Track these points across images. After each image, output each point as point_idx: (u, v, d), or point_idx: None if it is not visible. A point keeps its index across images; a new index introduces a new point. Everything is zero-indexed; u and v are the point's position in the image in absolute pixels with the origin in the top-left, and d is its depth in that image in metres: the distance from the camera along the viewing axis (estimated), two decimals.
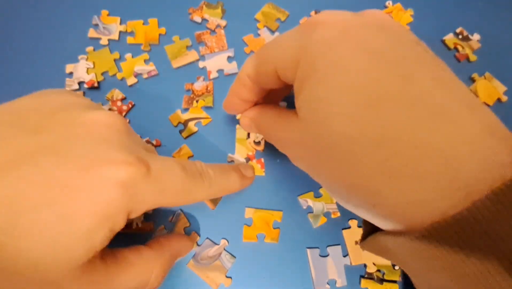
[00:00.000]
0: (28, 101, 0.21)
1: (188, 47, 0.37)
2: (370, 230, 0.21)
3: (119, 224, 0.19)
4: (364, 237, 0.22)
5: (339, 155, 0.17)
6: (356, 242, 0.30)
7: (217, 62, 0.37)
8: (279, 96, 0.31)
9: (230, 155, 0.33)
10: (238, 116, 0.34)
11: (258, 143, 0.34)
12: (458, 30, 0.39)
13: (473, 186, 0.14)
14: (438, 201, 0.15)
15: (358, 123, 0.16)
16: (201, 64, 0.36)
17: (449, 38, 0.38)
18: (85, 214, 0.17)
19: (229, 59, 0.37)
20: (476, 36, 0.38)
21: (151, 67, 0.36)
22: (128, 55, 0.37)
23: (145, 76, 0.36)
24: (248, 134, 0.34)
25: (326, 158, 0.18)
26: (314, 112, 0.18)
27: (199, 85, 0.35)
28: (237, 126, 0.34)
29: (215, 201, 0.32)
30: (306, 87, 0.19)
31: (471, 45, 0.38)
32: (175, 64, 0.36)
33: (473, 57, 0.37)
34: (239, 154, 0.33)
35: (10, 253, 0.16)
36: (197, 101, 0.35)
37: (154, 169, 0.20)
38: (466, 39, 0.38)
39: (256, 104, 0.28)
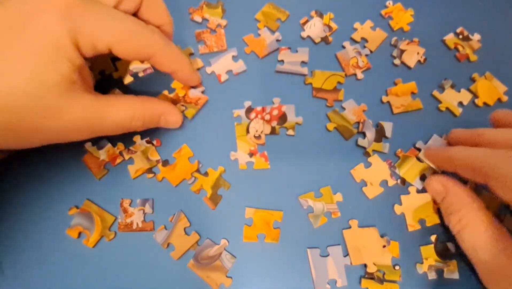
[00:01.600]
0: None
1: (191, 55, 0.37)
2: None
3: (73, 53, 0.22)
4: None
5: None
6: None
7: (223, 64, 0.37)
8: None
9: (232, 152, 0.33)
10: (235, 114, 0.34)
11: (258, 137, 0.34)
12: (458, 30, 0.39)
13: None
14: None
15: None
16: (208, 70, 0.36)
17: (450, 38, 0.38)
18: (37, 49, 0.21)
19: (234, 58, 0.37)
20: (476, 36, 0.38)
21: (146, 65, 0.36)
22: None
23: (140, 74, 0.36)
24: (248, 129, 0.34)
25: None
26: None
27: (194, 93, 0.35)
28: (235, 123, 0.34)
29: (215, 201, 0.32)
30: None
31: (472, 45, 0.38)
32: None
33: (473, 57, 0.37)
34: (242, 150, 0.33)
35: None
36: (183, 106, 0.34)
37: (91, 1, 0.23)
38: (466, 39, 0.38)
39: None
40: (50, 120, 0.23)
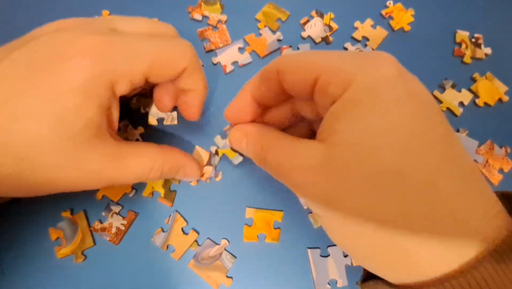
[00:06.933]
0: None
1: None
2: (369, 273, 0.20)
3: (105, 96, 0.21)
4: (365, 279, 0.21)
5: (382, 186, 0.16)
6: (357, 283, 0.29)
7: (230, 55, 0.37)
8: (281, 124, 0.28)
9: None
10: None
11: None
12: (476, 35, 0.38)
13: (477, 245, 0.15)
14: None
15: (412, 161, 0.16)
16: (214, 60, 0.37)
17: (463, 34, 0.38)
18: (65, 92, 0.19)
19: (240, 50, 0.37)
20: (487, 49, 0.38)
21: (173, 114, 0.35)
22: None
23: (166, 123, 0.34)
24: None
25: (359, 188, 0.17)
26: (364, 139, 0.17)
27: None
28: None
29: (171, 198, 0.31)
30: (356, 113, 0.18)
31: (476, 52, 0.38)
32: None
33: (468, 60, 0.37)
34: None
35: (9, 135, 0.18)
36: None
37: (115, 35, 0.21)
38: (477, 45, 0.38)
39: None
40: (68, 171, 0.21)
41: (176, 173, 0.28)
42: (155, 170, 0.25)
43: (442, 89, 0.36)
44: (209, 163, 0.32)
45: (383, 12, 0.39)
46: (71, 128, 0.19)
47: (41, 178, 0.20)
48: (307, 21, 0.39)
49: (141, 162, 0.24)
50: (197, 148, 0.33)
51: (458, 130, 0.34)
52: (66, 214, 0.31)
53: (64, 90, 0.19)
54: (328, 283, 0.29)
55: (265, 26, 0.38)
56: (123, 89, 0.22)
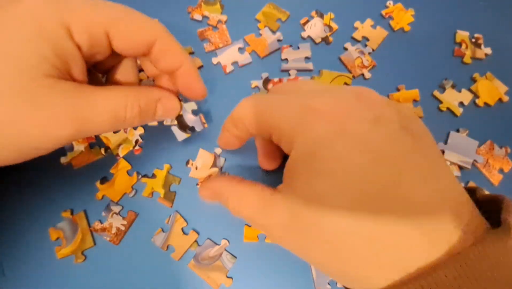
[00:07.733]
0: None
1: (191, 54, 0.37)
2: None
3: (60, 37, 0.20)
4: None
5: (334, 245, 0.18)
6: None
7: (230, 55, 0.37)
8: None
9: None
10: (253, 85, 0.33)
11: None
12: (476, 35, 0.38)
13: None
14: None
15: (356, 220, 0.18)
16: (214, 60, 0.37)
17: (463, 34, 0.38)
18: (15, 28, 0.18)
19: (240, 50, 0.37)
20: (487, 49, 0.38)
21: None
22: None
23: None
24: None
25: (317, 246, 0.19)
26: (316, 201, 0.19)
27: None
28: (253, 93, 0.34)
29: (170, 198, 0.31)
30: (302, 175, 0.19)
31: (476, 52, 0.38)
32: None
33: (468, 60, 0.37)
34: None
35: None
36: None
37: None
38: (477, 45, 0.38)
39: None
40: (32, 113, 0.19)
41: (155, 108, 0.26)
42: (130, 106, 0.23)
43: (442, 89, 0.36)
44: (214, 165, 0.32)
45: (383, 12, 0.39)
46: (24, 64, 0.18)
47: (6, 133, 0.19)
48: (307, 21, 0.39)
49: (112, 97, 0.22)
50: (201, 150, 0.33)
51: (458, 130, 0.34)
52: (66, 214, 0.31)
53: (13, 29, 0.18)
54: (328, 283, 0.29)
55: (265, 26, 0.38)
56: (81, 38, 0.21)
